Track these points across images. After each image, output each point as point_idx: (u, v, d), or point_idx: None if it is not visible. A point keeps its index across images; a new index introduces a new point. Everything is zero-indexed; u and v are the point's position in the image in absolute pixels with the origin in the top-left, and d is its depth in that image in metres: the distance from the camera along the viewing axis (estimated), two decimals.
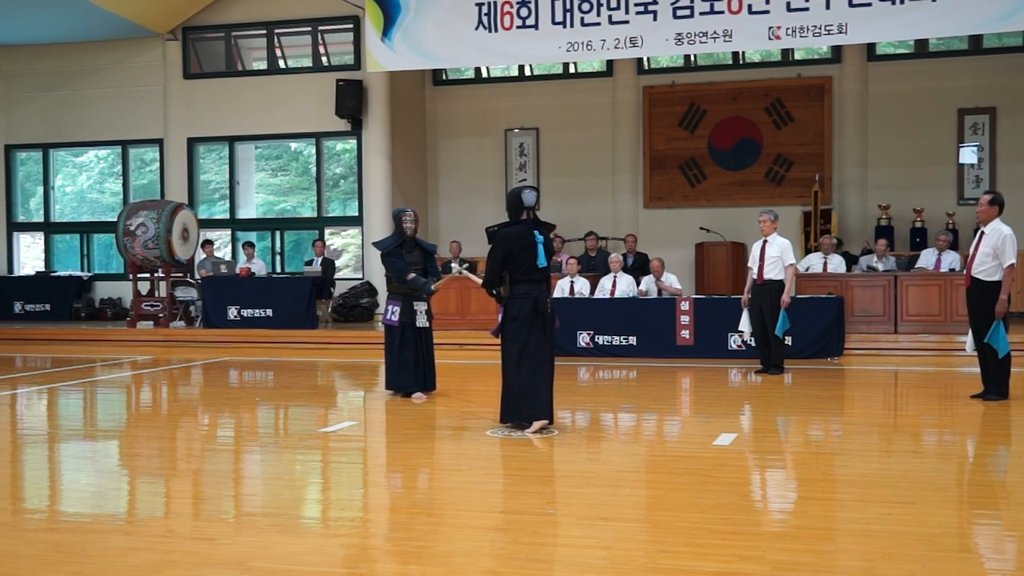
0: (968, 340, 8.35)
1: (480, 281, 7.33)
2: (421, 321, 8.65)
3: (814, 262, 13.32)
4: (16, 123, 19.05)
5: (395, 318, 8.56)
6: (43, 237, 19.52)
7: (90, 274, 18.82)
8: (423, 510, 4.96)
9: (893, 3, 12.64)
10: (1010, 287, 8.02)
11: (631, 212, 17.68)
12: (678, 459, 6.26)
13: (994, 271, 8.00)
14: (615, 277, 12.79)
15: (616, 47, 13.73)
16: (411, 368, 8.58)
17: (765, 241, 10.18)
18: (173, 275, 16.02)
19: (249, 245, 16.12)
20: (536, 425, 6.81)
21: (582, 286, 12.97)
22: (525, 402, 6.80)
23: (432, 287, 8.57)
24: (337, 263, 16.91)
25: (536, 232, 6.80)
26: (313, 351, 13.67)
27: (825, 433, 7.28)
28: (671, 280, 12.65)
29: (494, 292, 6.94)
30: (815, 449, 6.70)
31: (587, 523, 4.61)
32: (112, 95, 18.41)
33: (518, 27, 14.05)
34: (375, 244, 9.11)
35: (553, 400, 6.98)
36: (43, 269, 19.04)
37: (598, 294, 12.83)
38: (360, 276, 17.24)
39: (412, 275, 8.48)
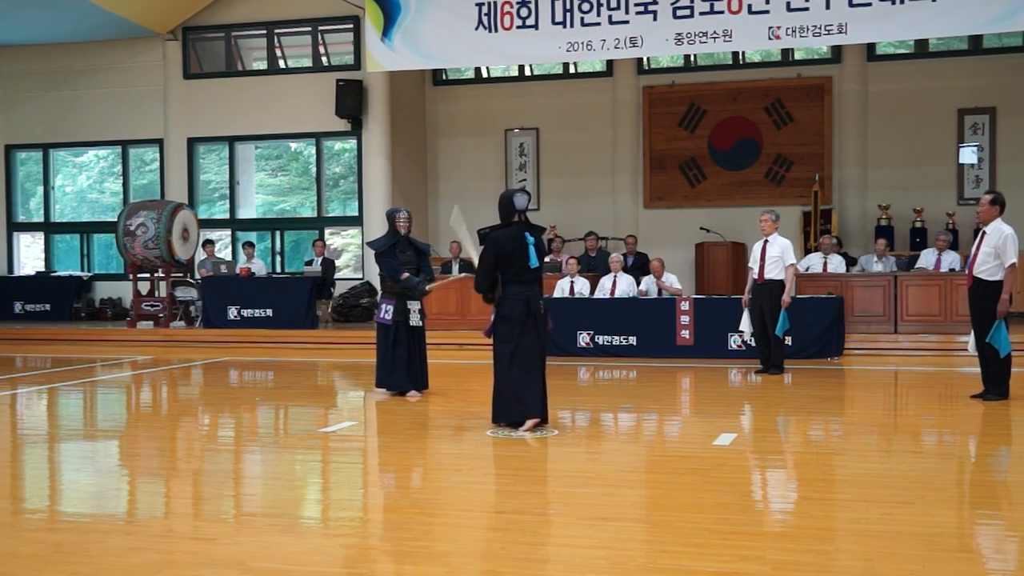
0: (970, 340, 8.34)
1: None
2: (414, 320, 8.72)
3: (814, 262, 13.31)
4: (16, 123, 19.04)
5: (388, 317, 8.64)
6: (43, 237, 19.52)
7: (90, 274, 18.81)
8: (423, 510, 4.95)
9: (893, 3, 12.64)
10: (1011, 287, 8.02)
11: (631, 212, 17.68)
12: (678, 459, 6.26)
13: (995, 271, 8.00)
14: (615, 277, 12.78)
15: (616, 47, 13.72)
16: (405, 366, 8.65)
17: (766, 241, 10.18)
18: (173, 275, 16.02)
19: (249, 245, 16.12)
20: (529, 423, 6.87)
21: (582, 286, 12.96)
22: (517, 401, 6.88)
23: (426, 287, 8.65)
24: (337, 263, 16.90)
25: (527, 234, 6.90)
26: (313, 351, 13.66)
27: (825, 433, 7.28)
28: (671, 280, 12.64)
29: (487, 294, 7.01)
30: (815, 449, 6.70)
31: (587, 523, 4.61)
32: (112, 95, 18.41)
33: (518, 27, 14.05)
34: (369, 244, 9.19)
35: (547, 398, 7.02)
36: (43, 269, 19.04)
37: (598, 294, 12.82)
38: (360, 276, 17.24)
39: (406, 275, 8.57)
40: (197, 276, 16.02)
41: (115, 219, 16.26)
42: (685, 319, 11.97)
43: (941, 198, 16.33)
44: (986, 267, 8.04)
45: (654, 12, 13.46)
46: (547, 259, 14.83)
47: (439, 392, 8.94)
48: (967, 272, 8.32)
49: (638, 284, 12.83)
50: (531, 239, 6.89)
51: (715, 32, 13.24)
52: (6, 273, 19.11)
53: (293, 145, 19.07)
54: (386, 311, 8.63)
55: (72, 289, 18.05)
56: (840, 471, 5.90)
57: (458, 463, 6.23)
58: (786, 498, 5.33)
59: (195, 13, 17.92)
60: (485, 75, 18.61)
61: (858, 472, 5.78)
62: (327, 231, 18.26)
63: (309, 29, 17.83)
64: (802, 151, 17.05)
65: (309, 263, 15.63)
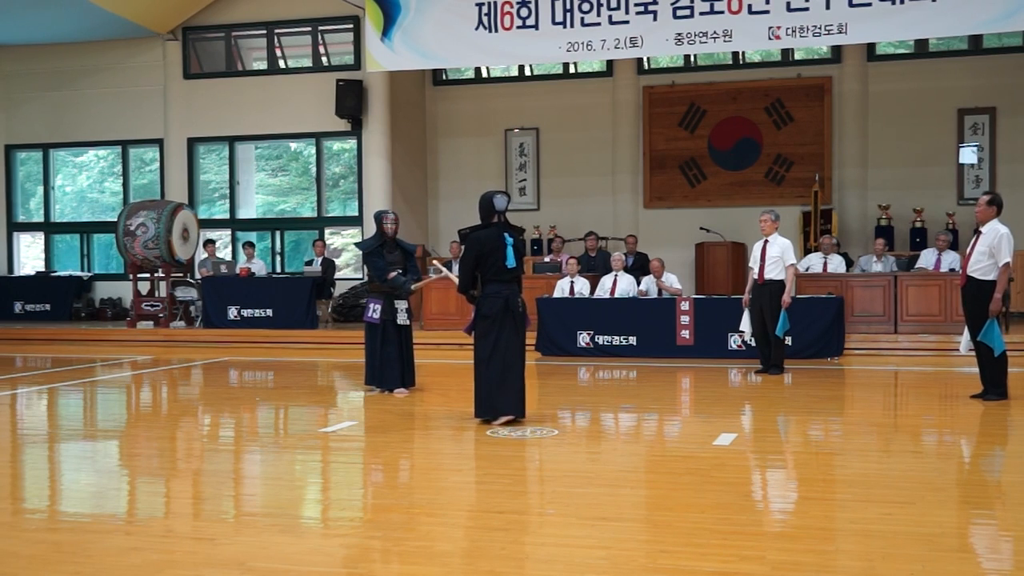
0: (964, 340, 8.34)
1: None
2: (402, 319, 8.90)
3: (814, 262, 13.32)
4: (16, 123, 19.04)
5: (376, 316, 8.81)
6: (43, 237, 19.52)
7: (90, 274, 18.81)
8: (423, 510, 4.95)
9: (893, 3, 12.64)
10: (1005, 286, 8.03)
11: (631, 212, 17.68)
12: (678, 459, 6.26)
13: (989, 270, 8.01)
14: (616, 276, 12.79)
15: (616, 47, 13.72)
16: (394, 364, 8.77)
17: (766, 241, 10.17)
18: (173, 275, 16.02)
19: (249, 245, 16.12)
20: (503, 419, 7.10)
21: (582, 286, 12.96)
22: (492, 398, 7.09)
23: (411, 286, 8.87)
24: (337, 263, 16.91)
25: (506, 234, 7.17)
26: (313, 351, 13.66)
27: (825, 433, 7.28)
28: (671, 280, 12.64)
29: (469, 293, 7.26)
30: (815, 449, 6.70)
31: (587, 523, 4.61)
32: (112, 95, 18.41)
33: (518, 27, 14.04)
34: (357, 245, 9.38)
35: (524, 395, 7.20)
36: (43, 269, 19.04)
37: (598, 293, 12.82)
38: (360, 276, 17.23)
39: (393, 274, 8.77)
40: (197, 276, 16.03)
41: (115, 219, 16.27)
42: (685, 319, 11.97)
43: (941, 198, 16.33)
44: (980, 266, 8.05)
45: (654, 12, 13.46)
46: (547, 259, 14.90)
47: (439, 391, 8.94)
48: (961, 271, 8.32)
49: (638, 284, 12.83)
50: (510, 240, 7.15)
51: (715, 32, 13.24)
52: (6, 273, 19.10)
53: (293, 145, 19.07)
54: (374, 310, 8.82)
55: (72, 289, 18.05)
56: (840, 471, 5.90)
57: (458, 463, 6.24)
58: (786, 498, 5.33)
59: (195, 13, 17.91)
60: (485, 75, 18.61)
61: (858, 472, 5.78)
62: (327, 231, 18.26)
63: (309, 29, 17.83)
64: (802, 151, 17.05)
65: (309, 263, 15.64)
